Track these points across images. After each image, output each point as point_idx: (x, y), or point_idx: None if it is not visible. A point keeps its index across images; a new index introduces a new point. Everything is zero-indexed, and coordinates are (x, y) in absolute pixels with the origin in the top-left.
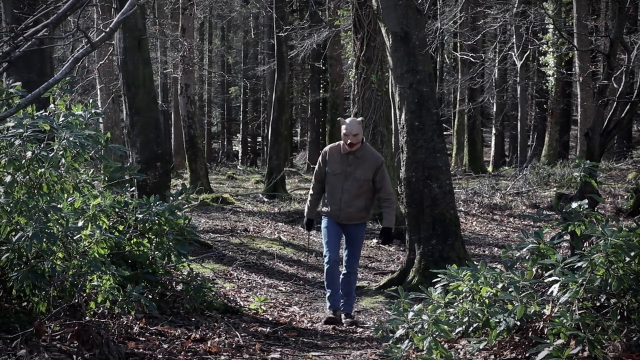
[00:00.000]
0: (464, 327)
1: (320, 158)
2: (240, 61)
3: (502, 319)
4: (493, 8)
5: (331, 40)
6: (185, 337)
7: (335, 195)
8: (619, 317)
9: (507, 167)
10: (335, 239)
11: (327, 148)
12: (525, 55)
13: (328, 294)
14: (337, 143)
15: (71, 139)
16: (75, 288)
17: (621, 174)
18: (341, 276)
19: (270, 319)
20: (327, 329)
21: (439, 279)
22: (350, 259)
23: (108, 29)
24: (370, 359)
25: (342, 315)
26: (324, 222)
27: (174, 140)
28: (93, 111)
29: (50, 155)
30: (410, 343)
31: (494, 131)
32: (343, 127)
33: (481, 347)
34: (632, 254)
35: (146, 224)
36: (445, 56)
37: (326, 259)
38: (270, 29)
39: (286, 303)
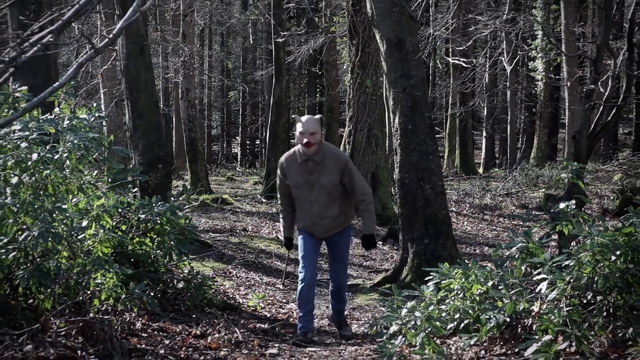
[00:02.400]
0: (455, 323)
1: (278, 171)
2: (239, 66)
3: (492, 316)
4: (484, 15)
5: (327, 46)
6: (186, 333)
7: (305, 209)
8: (605, 314)
9: (497, 169)
10: (312, 253)
11: (282, 159)
12: (515, 61)
13: (300, 314)
14: (291, 151)
15: (75, 141)
16: (79, 286)
17: (607, 175)
18: (330, 289)
19: (269, 315)
20: (323, 325)
21: (431, 277)
22: (338, 271)
23: (111, 35)
24: (365, 354)
25: (336, 325)
26: (300, 235)
27: (175, 143)
28: (97, 115)
29: (55, 158)
30: (403, 339)
31: (484, 134)
32: (298, 125)
33: (472, 342)
34: (618, 252)
35: (148, 224)
36: (438, 61)
37: (301, 277)
38: (269, 35)
39: (284, 300)
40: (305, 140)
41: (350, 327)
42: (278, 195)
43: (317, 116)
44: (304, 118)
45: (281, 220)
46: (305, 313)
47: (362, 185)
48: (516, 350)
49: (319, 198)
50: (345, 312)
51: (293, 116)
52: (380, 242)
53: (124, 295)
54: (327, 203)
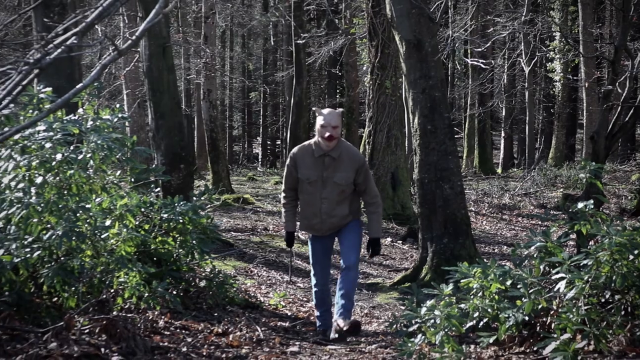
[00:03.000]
0: (474, 322)
1: (289, 162)
2: (260, 67)
3: (511, 315)
4: (502, 16)
5: (347, 47)
6: (208, 331)
7: (314, 206)
8: (623, 313)
9: (515, 169)
10: (324, 259)
11: (295, 150)
12: (533, 62)
13: (317, 314)
14: (306, 143)
15: (99, 142)
16: (103, 284)
17: (625, 175)
18: (340, 273)
19: (289, 314)
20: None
21: (450, 276)
22: (348, 253)
23: (134, 37)
24: (385, 352)
25: (340, 321)
26: (310, 240)
27: (197, 143)
28: (120, 115)
29: (79, 158)
30: (423, 337)
31: (503, 134)
32: (320, 118)
33: (491, 341)
34: (636, 252)
35: (171, 223)
36: (457, 62)
37: (314, 281)
38: (289, 36)
39: (304, 299)
40: (327, 133)
41: (358, 321)
42: (282, 188)
43: (339, 110)
44: (326, 111)
45: (283, 214)
46: (322, 312)
47: (374, 187)
48: (535, 348)
49: (330, 196)
50: (351, 317)
51: (313, 109)
52: (400, 242)
53: (146, 294)
54: (337, 202)
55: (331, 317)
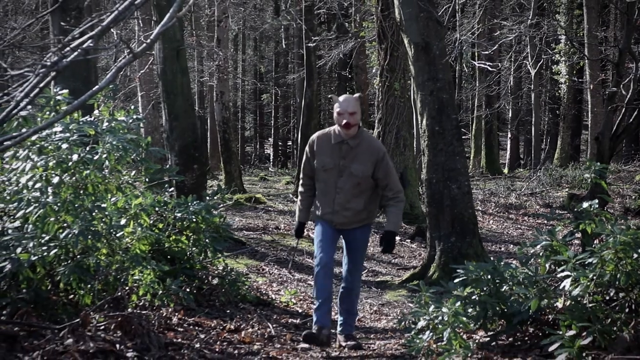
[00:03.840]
0: (481, 319)
1: (307, 148)
2: (272, 70)
3: (517, 312)
4: (509, 20)
5: (357, 50)
6: (221, 327)
7: (328, 195)
8: (627, 310)
9: (521, 169)
10: (330, 238)
11: (314, 136)
12: (539, 64)
13: (315, 305)
14: (326, 130)
15: (114, 142)
16: (118, 282)
17: (629, 175)
18: (340, 290)
19: (300, 311)
20: None
21: (458, 274)
22: (350, 271)
23: (149, 40)
24: (394, 348)
25: (341, 338)
26: (317, 223)
27: (209, 144)
28: (134, 117)
29: (95, 158)
30: (431, 334)
31: (509, 135)
32: (336, 105)
33: (498, 337)
34: None
35: (184, 222)
36: (464, 65)
37: (317, 261)
38: (300, 39)
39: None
40: (344, 120)
41: (359, 342)
42: (300, 175)
43: (357, 95)
44: (342, 97)
45: (298, 202)
46: (321, 304)
47: (397, 181)
48: (541, 345)
49: (345, 186)
50: (354, 332)
51: (330, 96)
52: (409, 240)
53: (160, 291)
54: (353, 194)
55: (329, 313)
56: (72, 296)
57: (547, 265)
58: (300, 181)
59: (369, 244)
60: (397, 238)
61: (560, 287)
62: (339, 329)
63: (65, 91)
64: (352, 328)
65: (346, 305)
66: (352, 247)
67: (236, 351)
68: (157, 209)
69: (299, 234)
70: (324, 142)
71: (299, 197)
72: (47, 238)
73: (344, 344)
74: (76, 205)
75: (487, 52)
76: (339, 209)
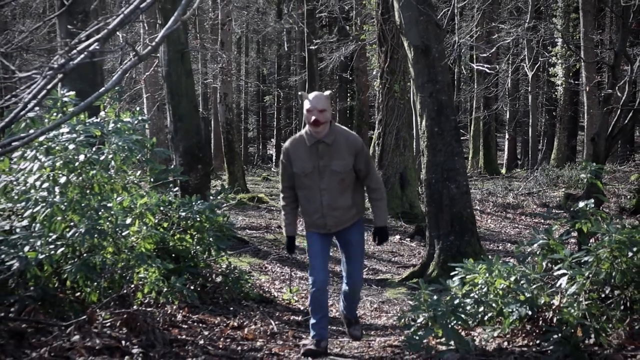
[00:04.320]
0: (479, 316)
1: (282, 158)
2: (274, 72)
3: (514, 309)
4: (506, 23)
5: (357, 53)
6: (224, 324)
7: (314, 200)
8: (622, 308)
9: (519, 170)
10: (322, 256)
11: (287, 144)
12: (536, 67)
13: (313, 321)
14: (297, 135)
15: (120, 143)
16: (123, 280)
17: (624, 175)
18: (343, 290)
19: (302, 308)
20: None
21: (456, 272)
22: (351, 273)
23: (154, 43)
24: (393, 345)
25: (345, 321)
26: (307, 235)
27: (213, 145)
28: (140, 118)
29: (101, 159)
30: (430, 331)
31: (507, 136)
32: (306, 102)
33: (495, 334)
34: (635, 249)
35: (188, 221)
36: (463, 67)
37: (311, 280)
38: (302, 42)
39: None
40: (313, 117)
41: (360, 325)
42: (280, 187)
43: (327, 92)
44: (312, 94)
45: (283, 217)
46: (319, 320)
47: (376, 171)
48: (537, 342)
49: (330, 186)
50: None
51: (299, 93)
52: (408, 239)
53: (165, 289)
54: (339, 192)
55: (326, 328)
56: (78, 294)
57: (544, 264)
58: (282, 194)
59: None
60: (397, 237)
61: (557, 285)
62: (342, 311)
63: (72, 93)
64: (354, 312)
65: (349, 301)
66: (348, 245)
67: (239, 348)
68: (162, 208)
69: (290, 249)
70: (299, 147)
71: (283, 212)
72: (54, 237)
73: (344, 319)
74: (83, 205)
75: (485, 55)
76: (328, 210)
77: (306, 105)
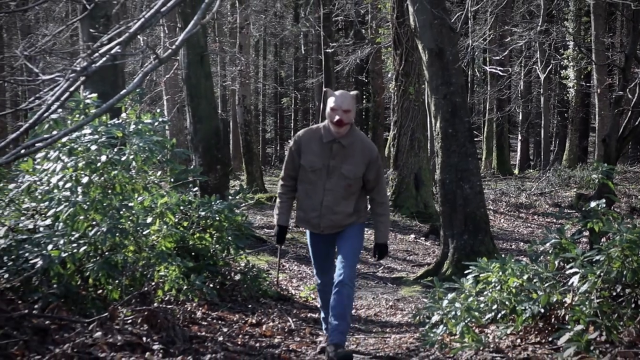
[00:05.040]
0: (493, 314)
1: (292, 145)
2: (292, 74)
3: (527, 307)
4: (519, 26)
5: (373, 55)
6: (243, 321)
7: (315, 197)
8: (633, 306)
9: (531, 170)
10: (325, 257)
11: (301, 133)
12: (548, 69)
13: (323, 315)
14: (314, 127)
15: (141, 144)
16: (144, 277)
17: (635, 176)
18: (333, 289)
19: (319, 306)
20: (370, 315)
21: (470, 271)
22: (342, 267)
23: (174, 46)
24: (409, 342)
25: (330, 349)
26: (307, 235)
27: (232, 146)
28: (160, 120)
29: (123, 159)
30: (444, 328)
31: (519, 137)
32: (330, 99)
33: (508, 332)
34: None
35: (208, 221)
36: (476, 70)
37: (316, 280)
38: (319, 46)
39: None
40: (337, 117)
41: (349, 352)
42: (281, 174)
43: (353, 92)
44: (338, 92)
45: (277, 204)
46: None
47: (385, 186)
48: (550, 339)
49: (335, 188)
50: (345, 342)
51: (324, 89)
52: (423, 238)
53: (185, 287)
54: (343, 197)
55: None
56: (100, 291)
57: (556, 262)
58: (281, 182)
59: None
60: (412, 236)
61: (569, 283)
62: (328, 337)
63: (94, 95)
64: (343, 337)
65: (338, 308)
66: (343, 241)
67: (257, 344)
68: (181, 207)
69: (280, 239)
70: (312, 141)
71: (279, 199)
72: (76, 235)
73: (332, 354)
74: (104, 204)
75: (498, 58)
76: (326, 212)
77: (331, 103)
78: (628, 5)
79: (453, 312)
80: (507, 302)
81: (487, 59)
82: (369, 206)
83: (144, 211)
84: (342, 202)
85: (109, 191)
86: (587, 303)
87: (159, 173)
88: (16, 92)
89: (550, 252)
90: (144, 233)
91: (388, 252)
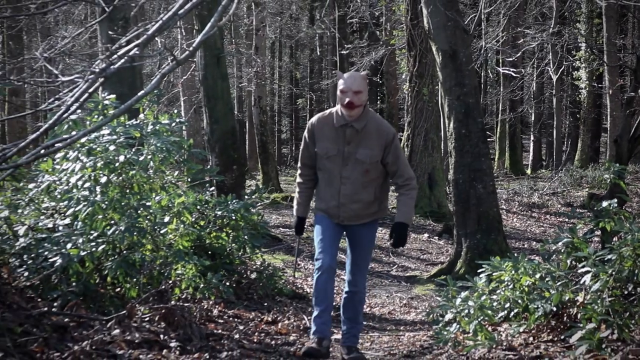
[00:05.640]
0: (505, 312)
1: (306, 133)
2: (307, 76)
3: (540, 305)
4: (531, 28)
5: (387, 57)
6: (259, 319)
7: (332, 186)
8: None
9: (544, 170)
10: (332, 236)
11: (313, 119)
12: (560, 71)
13: (315, 313)
14: (326, 112)
15: (158, 144)
16: (162, 276)
17: None
18: (343, 295)
19: (333, 304)
20: (384, 313)
21: (483, 269)
22: (354, 273)
23: (191, 48)
24: (422, 339)
25: (344, 350)
26: (316, 218)
27: (248, 146)
28: (177, 120)
29: (140, 159)
30: (458, 326)
31: (532, 138)
32: (340, 81)
33: (521, 330)
34: None
35: (224, 220)
36: (489, 71)
37: (318, 264)
38: (334, 47)
39: None
40: (347, 99)
41: (362, 355)
42: (299, 164)
43: (364, 72)
44: (348, 74)
45: (296, 195)
46: (322, 312)
47: (408, 166)
48: (562, 337)
49: (352, 175)
50: (358, 345)
51: (334, 71)
52: (436, 237)
53: (202, 285)
54: (362, 184)
55: (330, 322)
56: (118, 289)
57: (568, 262)
58: (299, 171)
59: (379, 240)
60: (426, 235)
61: (581, 282)
62: (341, 339)
63: (113, 96)
64: (356, 339)
65: (350, 312)
66: (357, 245)
67: (273, 342)
68: (198, 207)
69: (299, 230)
70: (325, 126)
71: (297, 189)
72: (95, 234)
73: (346, 357)
74: (123, 204)
75: (511, 59)
76: (346, 201)
77: (340, 85)
78: (639, 7)
79: (466, 311)
80: (519, 301)
81: (500, 60)
82: (395, 193)
83: (162, 210)
84: (362, 190)
85: (127, 191)
86: (599, 301)
87: (176, 173)
88: (36, 93)
89: (562, 251)
90: (162, 232)
91: (407, 239)
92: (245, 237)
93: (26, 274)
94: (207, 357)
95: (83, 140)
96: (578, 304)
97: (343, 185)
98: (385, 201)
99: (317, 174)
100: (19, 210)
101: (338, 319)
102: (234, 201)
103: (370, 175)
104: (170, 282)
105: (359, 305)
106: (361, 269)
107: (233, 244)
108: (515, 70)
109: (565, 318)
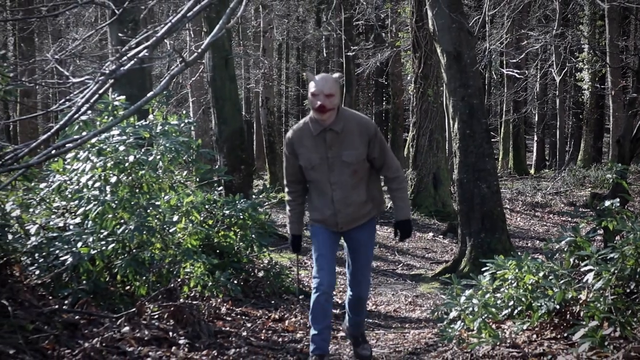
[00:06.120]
0: (509, 310)
1: (285, 149)
2: None
3: (543, 303)
4: (535, 30)
5: (393, 58)
6: (266, 317)
7: (324, 195)
8: None
9: (547, 170)
10: (330, 250)
11: (289, 133)
12: (564, 72)
13: (314, 332)
14: (301, 123)
15: (167, 145)
16: (171, 274)
17: None
18: (348, 297)
19: (339, 302)
20: (389, 311)
21: (487, 268)
22: (356, 275)
23: (199, 50)
24: (427, 337)
25: (352, 340)
26: (313, 230)
27: (255, 146)
28: (186, 121)
29: (150, 159)
30: (462, 324)
31: (535, 138)
32: (311, 84)
33: (525, 327)
34: None
35: (232, 219)
36: (493, 72)
37: (315, 283)
38: (340, 49)
39: None
40: (318, 103)
41: (369, 344)
42: (285, 182)
43: (336, 74)
44: (319, 76)
45: (287, 213)
46: (321, 330)
47: (394, 159)
48: (565, 334)
49: (341, 179)
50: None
51: (304, 73)
52: (441, 236)
53: (210, 283)
54: (352, 185)
55: (329, 340)
56: (128, 287)
57: (571, 260)
58: (286, 189)
59: (385, 238)
60: (430, 234)
61: (584, 280)
62: (348, 328)
63: (122, 97)
64: (361, 328)
65: (355, 313)
66: (358, 250)
67: (280, 339)
68: (207, 206)
69: (295, 248)
70: (303, 137)
71: (288, 207)
72: (105, 233)
73: (350, 337)
74: (132, 203)
75: (514, 61)
76: (341, 207)
77: (311, 87)
78: None
79: (470, 308)
80: (523, 299)
81: (504, 61)
82: (386, 187)
83: (171, 210)
84: (352, 192)
85: (137, 190)
86: (601, 300)
87: (185, 173)
88: (47, 95)
89: (565, 250)
90: (171, 231)
91: (411, 230)
92: (253, 236)
93: (37, 272)
94: (215, 354)
95: (93, 140)
96: (581, 302)
97: (334, 191)
98: (380, 196)
99: (305, 188)
100: (31, 210)
101: (338, 317)
102: (242, 201)
103: (358, 175)
104: (179, 280)
105: (363, 304)
106: (363, 272)
107: (241, 243)
108: (519, 71)
109: (568, 316)
